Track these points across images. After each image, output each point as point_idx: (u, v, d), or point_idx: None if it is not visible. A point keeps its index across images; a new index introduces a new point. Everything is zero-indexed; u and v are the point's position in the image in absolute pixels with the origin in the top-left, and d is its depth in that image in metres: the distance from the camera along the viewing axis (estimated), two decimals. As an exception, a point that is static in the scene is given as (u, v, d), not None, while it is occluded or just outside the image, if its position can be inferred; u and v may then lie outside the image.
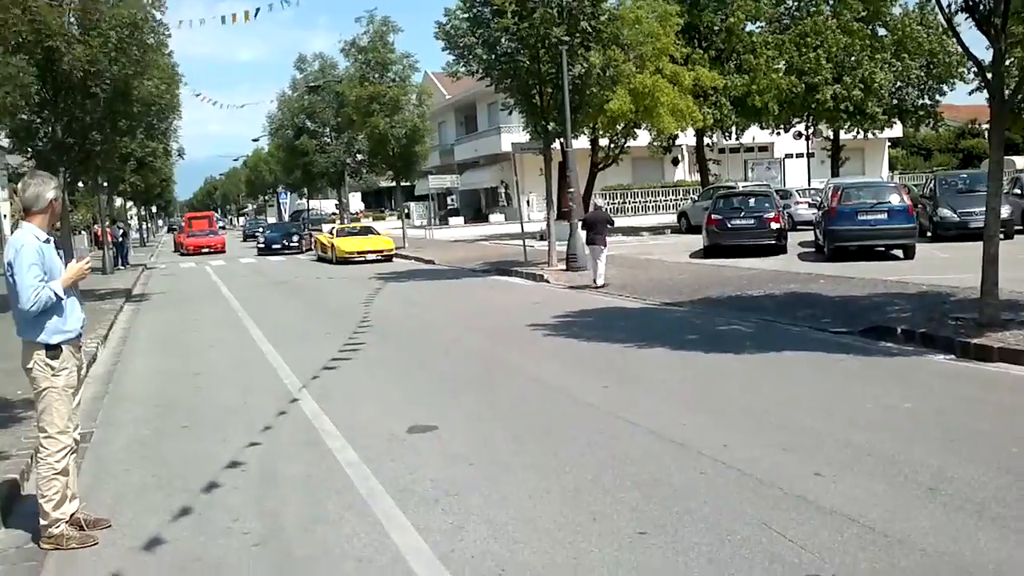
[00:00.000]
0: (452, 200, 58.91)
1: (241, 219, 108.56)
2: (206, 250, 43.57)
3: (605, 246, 17.65)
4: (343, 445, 6.86)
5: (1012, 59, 19.29)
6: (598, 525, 4.90)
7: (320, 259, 33.03)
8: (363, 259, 29.44)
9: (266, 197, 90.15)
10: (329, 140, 46.38)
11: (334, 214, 60.95)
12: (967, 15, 10.44)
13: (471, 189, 56.40)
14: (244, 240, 59.53)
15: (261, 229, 48.96)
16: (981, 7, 10.01)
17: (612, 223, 19.43)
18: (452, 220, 54.55)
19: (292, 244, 40.51)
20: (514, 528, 4.94)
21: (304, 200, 63.91)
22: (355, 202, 66.67)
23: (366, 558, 4.66)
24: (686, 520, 4.88)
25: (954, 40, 12.35)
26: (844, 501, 5.00)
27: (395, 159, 35.74)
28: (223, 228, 69.67)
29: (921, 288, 13.47)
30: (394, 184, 42.87)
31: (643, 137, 35.52)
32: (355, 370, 10.22)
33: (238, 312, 16.99)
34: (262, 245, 41.54)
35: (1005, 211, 21.68)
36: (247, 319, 15.62)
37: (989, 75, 10.18)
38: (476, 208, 57.78)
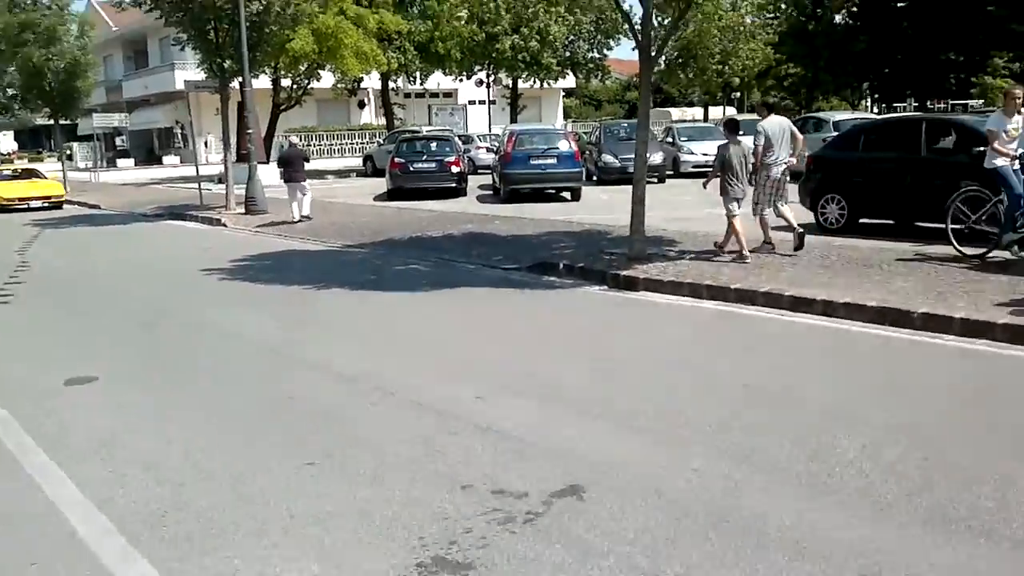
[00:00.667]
0: (121, 141, 54.67)
1: None
2: None
3: (304, 181, 18.05)
4: (-11, 401, 6.31)
5: (666, 19, 21.13)
6: (266, 460, 4.93)
7: None
8: (25, 206, 26.11)
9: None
10: (-28, 71, 41.20)
11: (-18, 154, 54.47)
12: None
13: (142, 129, 52.59)
14: None
15: None
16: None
17: (308, 160, 19.56)
18: (121, 162, 50.57)
19: None
20: (178, 472, 4.84)
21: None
22: (7, 142, 59.81)
23: (14, 513, 4.37)
24: (354, 448, 5.05)
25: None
26: (500, 419, 5.40)
27: (53, 95, 32.46)
28: None
29: (584, 227, 14.57)
30: (52, 123, 39.09)
31: (327, 79, 34.96)
32: (5, 325, 9.36)
33: None
34: None
35: (657, 158, 23.91)
36: None
37: (639, 33, 11.08)
38: (148, 149, 54.07)
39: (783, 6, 48.46)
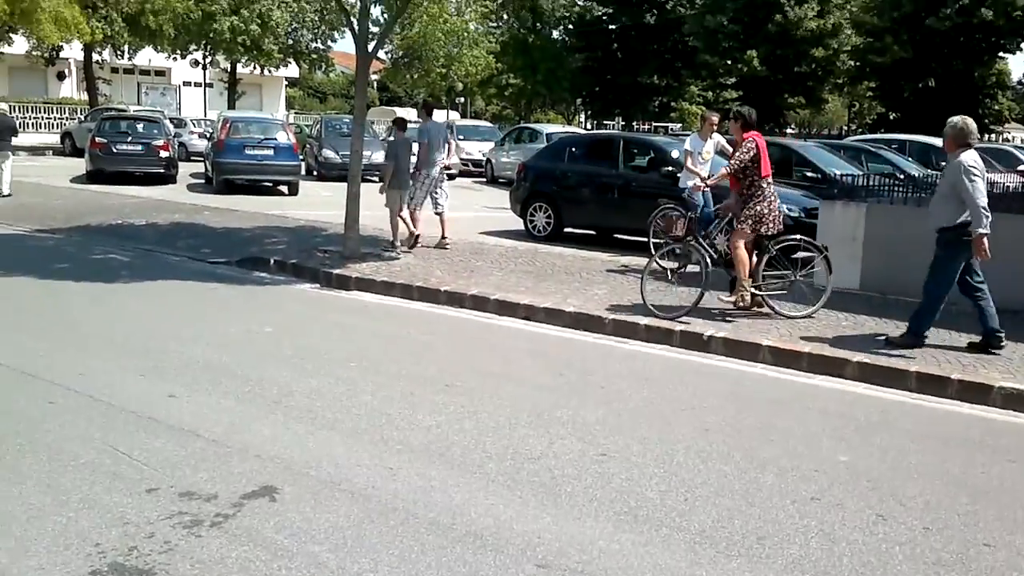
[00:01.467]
0: None
1: None
2: None
3: (10, 152, 17.25)
4: None
5: (386, 13, 21.20)
6: (-81, 465, 4.46)
7: None
8: None
9: None
10: None
11: None
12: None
13: None
14: None
15: None
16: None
17: (16, 132, 18.52)
18: None
19: None
20: None
21: None
22: None
23: None
24: (28, 451, 4.68)
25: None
26: (193, 419, 5.22)
27: None
28: None
29: (299, 223, 14.35)
30: None
31: (21, 44, 31.87)
32: None
33: None
34: None
35: (380, 156, 23.96)
36: None
37: (356, 27, 11.09)
38: None
39: (506, 17, 50.38)
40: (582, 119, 57.66)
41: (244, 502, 4.16)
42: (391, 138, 11.44)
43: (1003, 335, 7.18)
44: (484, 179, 26.42)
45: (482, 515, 4.13)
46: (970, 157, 7.00)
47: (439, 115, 46.91)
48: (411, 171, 11.99)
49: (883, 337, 7.47)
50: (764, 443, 5.28)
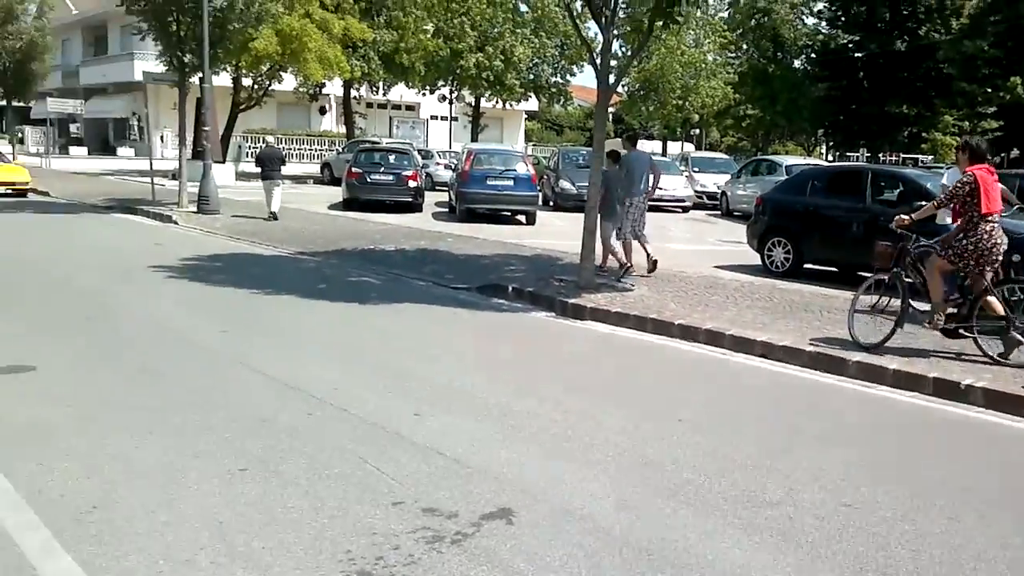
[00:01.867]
0: (75, 128, 53.72)
1: None
2: None
3: (280, 179, 19.35)
4: (-83, 386, 6.21)
5: (624, 48, 21.49)
6: (199, 463, 4.93)
7: None
8: None
9: None
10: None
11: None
12: (583, 3, 11.52)
13: (98, 118, 51.77)
14: None
15: None
16: (597, -1, 11.08)
17: (284, 161, 20.55)
18: (74, 150, 49.75)
19: None
20: (110, 468, 4.82)
21: None
22: (-44, 120, 58.47)
23: (-63, 501, 4.32)
24: (288, 457, 5.06)
25: (585, 26, 13.47)
26: (436, 437, 5.46)
27: (7, 75, 32.01)
28: None
29: (536, 252, 14.70)
30: (4, 104, 38.39)
31: (289, 81, 34.86)
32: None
33: None
34: None
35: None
36: None
37: (598, 61, 11.27)
38: (103, 139, 53.23)
39: (745, 47, 49.44)
40: (823, 151, 55.43)
41: (483, 522, 4.29)
42: (604, 168, 11.77)
43: None
44: (719, 212, 25.97)
45: (719, 558, 4.04)
46: None
47: (674, 147, 46.56)
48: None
49: None
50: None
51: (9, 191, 23.30)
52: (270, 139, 23.76)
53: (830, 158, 50.61)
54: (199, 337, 8.15)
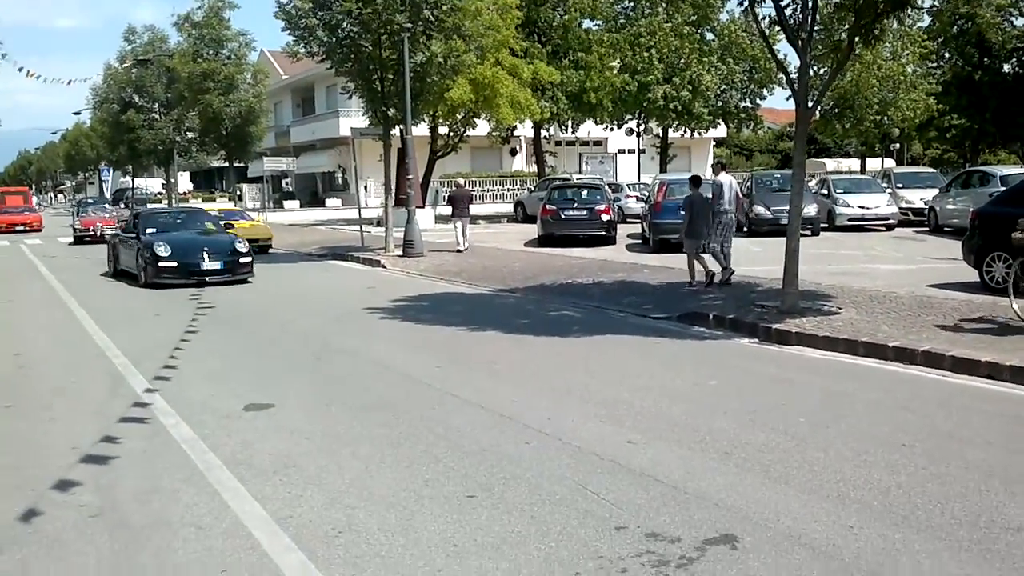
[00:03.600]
0: (287, 183, 57.77)
1: (60, 196, 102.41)
2: (20, 228, 40.61)
3: (468, 217, 22.24)
4: (177, 423, 6.91)
5: (823, 68, 20.96)
6: (430, 490, 5.24)
7: None
8: None
9: (87, 174, 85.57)
10: (158, 116, 44.57)
11: (160, 194, 58.63)
12: (779, 28, 11.40)
13: (307, 173, 55.51)
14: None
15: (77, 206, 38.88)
16: (791, 22, 10.94)
17: (472, 200, 23.44)
18: (287, 204, 53.50)
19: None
20: (350, 495, 5.21)
21: (128, 178, 61.08)
22: (183, 182, 64.18)
23: (205, 525, 4.82)
24: (511, 484, 5.29)
25: (777, 48, 13.32)
26: (651, 464, 5.55)
27: (228, 138, 34.96)
28: (40, 206, 65.54)
29: (735, 278, 14.48)
30: (226, 164, 41.80)
31: (482, 127, 36.09)
32: (187, 352, 10.13)
33: (59, 292, 16.32)
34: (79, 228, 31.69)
35: (812, 210, 23.51)
36: (70, 300, 15.05)
37: (795, 84, 11.11)
38: (312, 192, 56.89)
39: (947, 55, 46.80)
40: (1043, 158, 51.42)
41: (706, 547, 4.33)
42: (687, 192, 14.21)
43: None
44: (927, 228, 24.65)
45: (955, 584, 3.91)
46: None
47: (874, 163, 44.69)
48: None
49: None
50: None
51: (255, 247, 22.87)
52: (460, 181, 25.57)
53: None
54: (416, 372, 8.60)
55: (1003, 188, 18.20)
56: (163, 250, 16.58)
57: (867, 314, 10.62)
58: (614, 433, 6.29)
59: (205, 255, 16.85)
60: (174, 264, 16.53)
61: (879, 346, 8.92)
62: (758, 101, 42.76)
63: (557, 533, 4.56)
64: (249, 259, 17.46)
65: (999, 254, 12.55)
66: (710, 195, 14.51)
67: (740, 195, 15.15)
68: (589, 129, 44.06)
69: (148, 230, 17.83)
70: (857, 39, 10.76)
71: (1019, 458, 5.64)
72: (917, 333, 9.30)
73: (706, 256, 14.00)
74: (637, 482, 5.25)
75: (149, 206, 37.79)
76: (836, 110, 39.63)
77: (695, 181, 14.64)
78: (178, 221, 19.39)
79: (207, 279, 16.59)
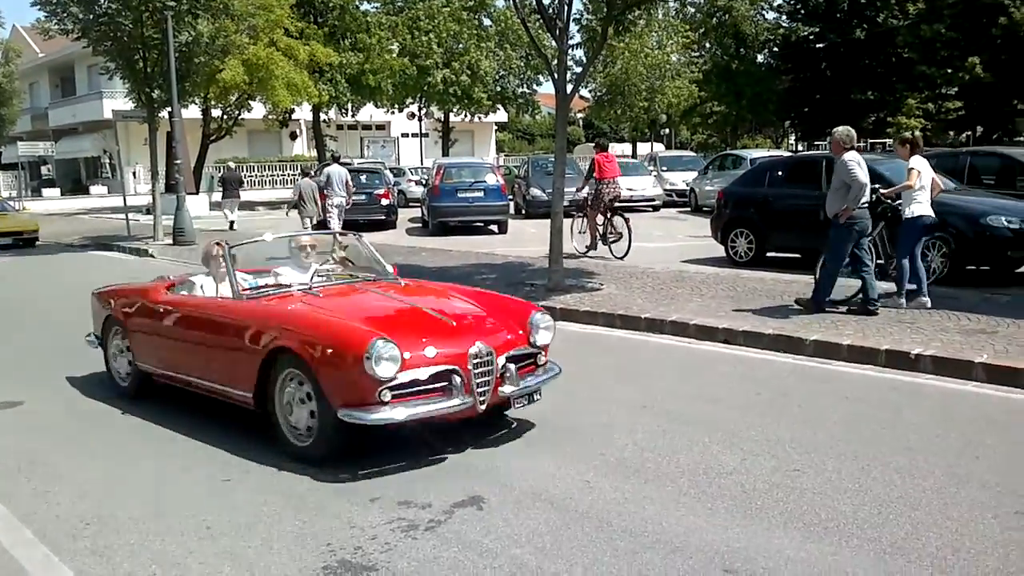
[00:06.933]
0: (47, 170, 53.77)
1: None
2: None
3: (238, 198, 24.43)
4: (-90, 425, 6.45)
5: (583, 52, 21.90)
6: (187, 475, 5.21)
7: None
8: None
9: None
10: None
11: None
12: (538, 15, 11.88)
13: (69, 158, 51.79)
14: None
15: None
16: (550, 10, 11.43)
17: (242, 182, 25.99)
18: (47, 192, 49.69)
19: None
20: (104, 488, 5.09)
21: None
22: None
23: (-61, 528, 4.58)
24: (267, 464, 5.34)
25: (547, 35, 13.74)
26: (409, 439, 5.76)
27: (-25, 122, 32.13)
28: None
29: (508, 259, 15.02)
30: (-25, 150, 38.47)
31: (258, 110, 35.11)
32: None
33: None
34: None
35: (584, 192, 24.58)
36: None
37: (555, 72, 11.61)
38: (75, 179, 53.19)
39: (708, 45, 50.04)
40: (791, 142, 56.06)
41: (454, 510, 4.59)
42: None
43: None
44: (689, 208, 26.39)
45: (673, 525, 4.35)
46: None
47: (644, 148, 47.07)
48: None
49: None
50: (969, 460, 5.16)
51: (18, 241, 22.06)
52: (231, 164, 27.23)
53: (798, 148, 51.23)
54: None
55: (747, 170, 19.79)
56: None
57: (626, 289, 11.32)
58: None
59: None
60: None
61: (633, 318, 9.58)
62: (535, 87, 44.07)
63: (311, 508, 4.68)
64: None
65: (741, 230, 13.70)
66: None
67: (350, 183, 18.73)
68: (371, 113, 43.85)
69: None
70: (611, 29, 11.38)
71: (738, 413, 6.27)
72: (667, 305, 10.03)
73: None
74: (394, 455, 5.45)
75: None
76: (608, 96, 41.51)
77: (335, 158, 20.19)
78: None
79: None
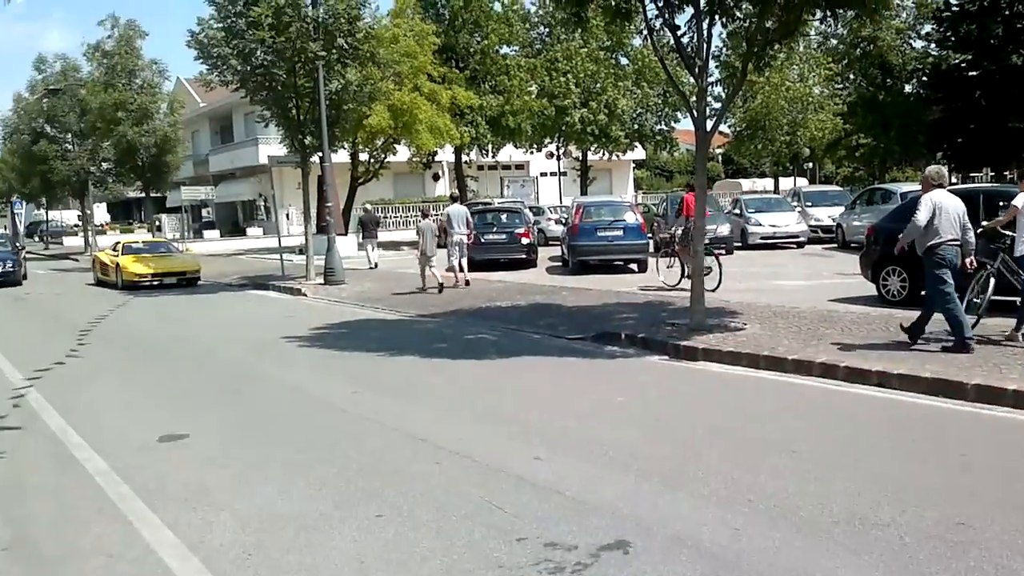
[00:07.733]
0: (207, 213, 57.04)
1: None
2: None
3: (376, 239, 25.73)
4: (90, 455, 6.92)
5: (723, 89, 21.69)
6: (339, 512, 5.39)
7: (100, 283, 25.25)
8: (158, 282, 23.10)
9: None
10: (71, 147, 43.57)
11: (76, 226, 57.32)
12: (677, 55, 11.87)
13: (227, 201, 54.87)
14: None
15: None
16: (688, 48, 11.41)
17: (379, 223, 27.55)
18: (207, 233, 52.83)
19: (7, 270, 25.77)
20: (261, 519, 5.33)
21: (42, 210, 59.51)
22: (100, 213, 62.80)
23: (116, 553, 4.90)
24: (419, 502, 5.47)
25: (685, 72, 13.76)
26: (555, 478, 5.79)
27: (144, 169, 34.47)
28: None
29: (647, 298, 14.94)
30: (144, 195, 41.15)
31: (403, 152, 36.26)
32: (103, 383, 10.09)
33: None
34: None
35: (724, 229, 24.31)
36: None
37: (694, 109, 11.56)
38: (233, 221, 56.25)
39: (852, 76, 48.63)
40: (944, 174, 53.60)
41: (600, 553, 4.58)
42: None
43: None
44: (835, 244, 25.60)
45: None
46: None
47: (786, 183, 46.00)
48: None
49: None
50: None
51: (181, 281, 23.44)
52: (367, 206, 28.73)
53: (953, 181, 48.96)
54: (332, 398, 8.73)
55: (899, 204, 19.06)
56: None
57: (770, 329, 11.08)
58: (521, 450, 6.52)
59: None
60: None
61: (778, 359, 9.35)
62: (672, 124, 43.87)
63: (461, 546, 4.76)
64: None
65: (894, 267, 13.19)
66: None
67: (470, 221, 19.50)
68: (510, 153, 44.63)
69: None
70: (750, 65, 11.27)
71: (894, 461, 6.02)
72: (815, 346, 9.76)
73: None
74: (539, 495, 5.48)
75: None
76: (748, 131, 40.90)
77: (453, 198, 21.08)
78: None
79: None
